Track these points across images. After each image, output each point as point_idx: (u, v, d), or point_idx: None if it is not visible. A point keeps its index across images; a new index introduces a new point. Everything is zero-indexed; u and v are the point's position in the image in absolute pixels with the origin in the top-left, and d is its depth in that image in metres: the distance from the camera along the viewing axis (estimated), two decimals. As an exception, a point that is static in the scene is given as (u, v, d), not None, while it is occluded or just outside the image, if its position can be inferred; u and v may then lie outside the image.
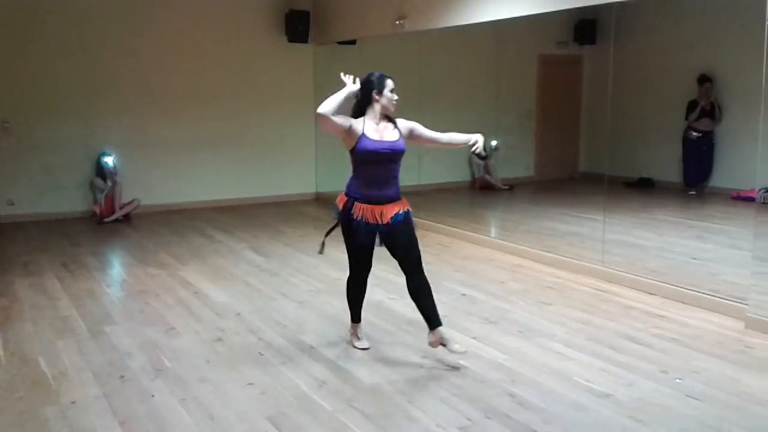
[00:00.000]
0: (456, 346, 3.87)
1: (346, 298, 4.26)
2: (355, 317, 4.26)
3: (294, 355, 4.09)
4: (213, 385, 3.68)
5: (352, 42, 9.23)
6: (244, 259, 6.46)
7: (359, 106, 4.01)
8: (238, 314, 4.86)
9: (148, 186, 8.82)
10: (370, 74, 4.05)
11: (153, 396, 3.56)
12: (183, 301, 5.19)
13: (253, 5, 9.35)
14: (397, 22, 7.75)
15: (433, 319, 3.93)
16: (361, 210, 3.91)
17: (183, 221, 8.31)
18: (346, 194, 4.00)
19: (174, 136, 9.03)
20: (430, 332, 3.94)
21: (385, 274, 5.86)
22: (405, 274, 4.01)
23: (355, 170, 4.01)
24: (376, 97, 3.98)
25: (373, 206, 3.90)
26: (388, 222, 3.90)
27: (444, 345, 3.89)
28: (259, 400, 3.50)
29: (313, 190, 10.05)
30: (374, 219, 3.89)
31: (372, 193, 3.92)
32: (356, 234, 3.96)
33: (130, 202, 8.46)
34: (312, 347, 4.21)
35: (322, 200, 9.86)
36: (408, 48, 9.18)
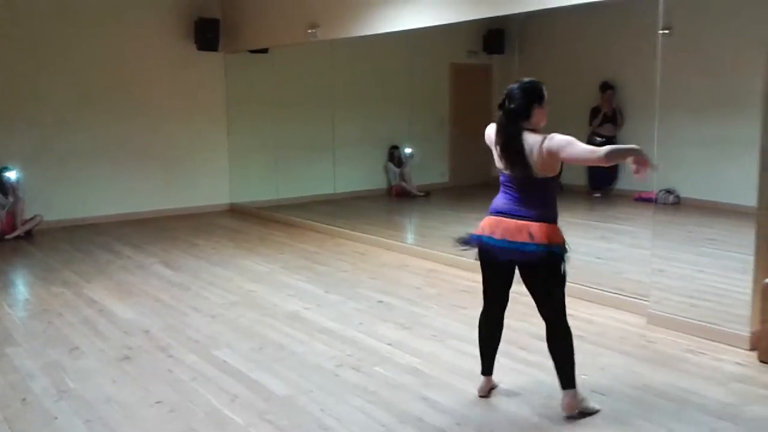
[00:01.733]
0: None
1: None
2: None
3: (205, 370, 3.99)
4: (120, 405, 3.55)
5: (264, 51, 9.15)
6: (153, 275, 6.27)
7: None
8: (147, 331, 4.70)
9: (50, 201, 8.45)
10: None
11: (56, 418, 3.41)
12: (88, 319, 4.98)
13: (160, 13, 9.13)
14: (309, 31, 7.73)
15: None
16: None
17: (88, 237, 8.00)
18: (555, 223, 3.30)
19: (78, 149, 8.69)
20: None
21: (302, 284, 5.83)
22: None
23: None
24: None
25: None
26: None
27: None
28: (167, 419, 3.40)
29: (227, 201, 9.87)
30: None
31: None
32: None
33: (32, 218, 8.08)
34: (225, 362, 4.12)
35: (236, 211, 9.70)
36: (321, 57, 9.19)
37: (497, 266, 3.41)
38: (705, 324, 4.39)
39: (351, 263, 6.59)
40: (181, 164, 9.42)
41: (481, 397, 3.56)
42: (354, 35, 7.35)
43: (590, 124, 9.69)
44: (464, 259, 6.35)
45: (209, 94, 9.55)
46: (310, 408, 3.46)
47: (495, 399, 3.53)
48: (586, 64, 9.94)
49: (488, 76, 10.90)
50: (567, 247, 3.26)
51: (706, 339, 4.30)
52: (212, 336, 4.59)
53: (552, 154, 3.14)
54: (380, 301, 5.31)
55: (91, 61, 8.70)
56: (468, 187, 10.72)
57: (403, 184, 10.35)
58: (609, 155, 3.02)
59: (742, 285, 4.31)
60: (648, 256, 5.02)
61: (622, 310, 4.90)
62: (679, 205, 8.07)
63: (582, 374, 3.80)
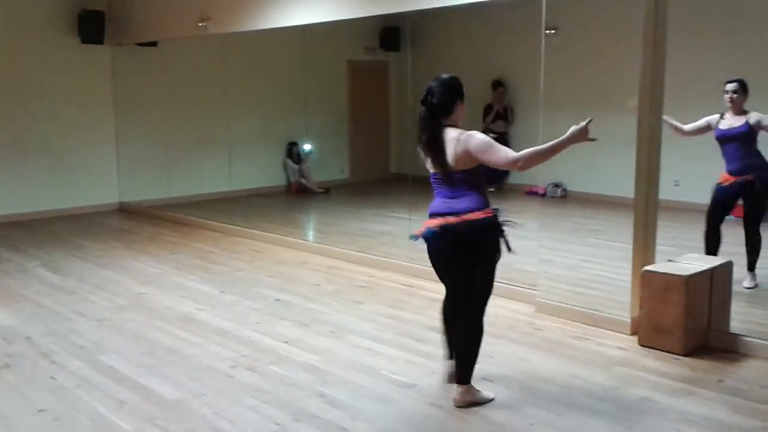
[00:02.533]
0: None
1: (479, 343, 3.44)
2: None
3: (91, 377, 3.82)
4: (-2, 417, 3.35)
5: (154, 44, 8.84)
6: (35, 278, 5.93)
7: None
8: (28, 338, 4.45)
9: None
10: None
11: (-74, 434, 3.18)
12: (-38, 328, 4.67)
13: (41, 4, 8.63)
14: (200, 24, 7.52)
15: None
16: None
17: (-36, 240, 7.49)
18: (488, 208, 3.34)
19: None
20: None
21: (196, 285, 5.68)
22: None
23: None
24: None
25: None
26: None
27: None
28: (50, 427, 3.23)
29: (116, 200, 9.47)
30: None
31: None
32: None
33: None
34: (112, 367, 3.95)
35: (126, 211, 9.33)
36: (214, 51, 8.97)
37: (442, 257, 3.37)
38: (589, 311, 4.61)
39: (248, 262, 6.48)
40: (66, 162, 8.95)
41: (449, 383, 3.53)
42: (247, 29, 7.22)
43: (483, 121, 9.96)
44: (362, 254, 6.41)
45: (95, 88, 9.12)
46: (203, 411, 3.38)
47: (390, 392, 3.56)
48: (479, 62, 10.21)
49: (385, 72, 11.01)
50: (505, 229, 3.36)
51: (590, 325, 4.51)
52: (98, 341, 4.39)
53: (468, 153, 3.21)
54: (278, 300, 5.25)
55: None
56: (368, 183, 10.79)
57: (303, 180, 10.29)
58: (526, 163, 3.16)
59: (623, 273, 4.54)
60: (536, 247, 5.21)
61: (512, 300, 5.06)
62: (567, 198, 8.44)
63: (474, 364, 3.91)
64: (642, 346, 4.14)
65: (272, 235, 7.41)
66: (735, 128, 5.06)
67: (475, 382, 3.46)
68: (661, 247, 4.55)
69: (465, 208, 3.26)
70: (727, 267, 4.35)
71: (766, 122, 4.97)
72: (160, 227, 8.21)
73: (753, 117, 5.02)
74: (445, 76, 3.37)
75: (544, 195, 8.19)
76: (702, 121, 5.25)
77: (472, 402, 3.38)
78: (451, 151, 3.24)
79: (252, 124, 9.86)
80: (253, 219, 8.07)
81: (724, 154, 5.14)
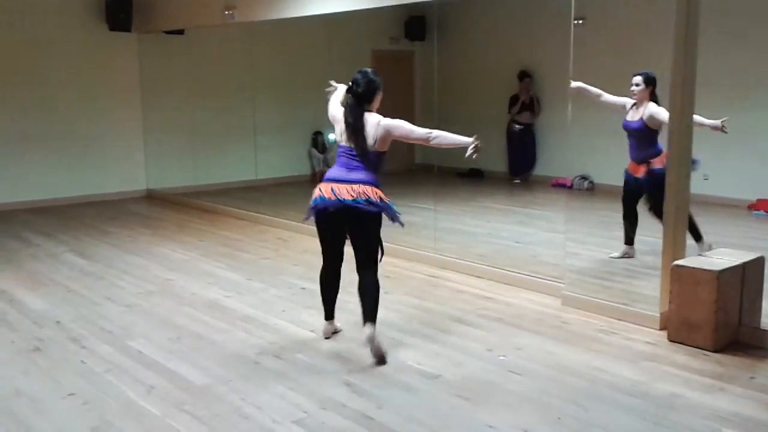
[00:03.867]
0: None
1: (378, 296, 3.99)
2: None
3: (120, 361, 3.86)
4: (30, 398, 3.40)
5: (180, 32, 8.88)
6: (65, 263, 6.01)
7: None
8: (59, 322, 4.51)
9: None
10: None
11: (-39, 414, 3.24)
12: (-6, 311, 4.75)
13: (69, -8, 8.73)
14: (226, 12, 7.54)
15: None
16: None
17: (-5, 225, 7.61)
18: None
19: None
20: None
21: (222, 272, 5.72)
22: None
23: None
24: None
25: None
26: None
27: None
28: (80, 411, 3.27)
29: (144, 187, 9.57)
30: None
31: None
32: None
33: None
34: (140, 352, 4.00)
35: (153, 198, 9.42)
36: (240, 40, 9.00)
37: (332, 224, 3.99)
38: (617, 305, 4.56)
39: (274, 250, 6.51)
40: (94, 149, 9.06)
41: (326, 338, 4.16)
42: (272, 18, 7.23)
43: (509, 112, 9.89)
44: (386, 244, 6.39)
45: (122, 76, 9.20)
46: (230, 397, 3.41)
47: (415, 382, 3.56)
48: (506, 52, 10.13)
49: (410, 62, 10.96)
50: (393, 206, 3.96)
51: (618, 319, 4.47)
52: (127, 326, 4.45)
53: (387, 133, 3.87)
54: (303, 288, 5.26)
55: (2, 45, 8.25)
56: (393, 173, 10.72)
57: (327, 169, 10.27)
58: (435, 141, 3.84)
59: (651, 267, 4.49)
60: (562, 240, 5.18)
61: (539, 293, 5.03)
62: (594, 190, 8.36)
63: (500, 355, 3.90)
64: (671, 341, 4.09)
65: (297, 224, 7.42)
66: (633, 122, 5.37)
67: (501, 376, 3.45)
68: (691, 242, 4.49)
69: (366, 180, 3.89)
70: (760, 262, 4.28)
71: (659, 117, 5.11)
72: (186, 214, 8.28)
73: (647, 111, 5.24)
74: (368, 69, 3.97)
75: (570, 187, 8.14)
76: (618, 101, 5.48)
77: (376, 343, 3.80)
78: (371, 132, 3.87)
79: (277, 113, 9.87)
80: (279, 207, 8.09)
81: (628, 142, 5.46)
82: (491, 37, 10.29)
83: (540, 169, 9.73)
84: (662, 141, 5.12)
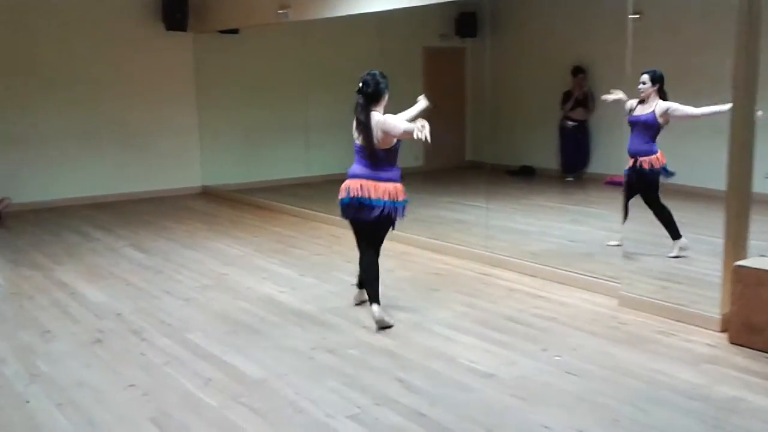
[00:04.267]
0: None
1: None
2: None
3: (178, 354, 3.96)
4: (92, 389, 3.51)
5: (235, 31, 9.02)
6: (124, 257, 6.19)
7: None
8: (119, 315, 4.65)
9: (18, 183, 8.28)
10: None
11: (28, 402, 3.38)
12: (59, 302, 4.91)
13: (127, -8, 8.95)
14: (280, 12, 7.63)
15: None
16: None
17: (57, 219, 7.86)
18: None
19: (45, 130, 8.52)
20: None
21: (276, 267, 5.80)
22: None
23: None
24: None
25: None
26: None
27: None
28: (140, 402, 3.37)
29: (200, 184, 9.76)
30: None
31: None
32: None
33: (0, 200, 7.93)
34: (198, 345, 4.09)
35: (208, 194, 9.60)
36: (293, 39, 9.09)
37: (366, 221, 4.29)
38: (676, 306, 4.45)
39: (326, 246, 6.57)
40: (151, 147, 9.27)
41: (356, 305, 4.67)
42: (325, 16, 7.28)
43: (562, 108, 9.74)
44: (437, 241, 6.39)
45: (178, 75, 9.39)
46: (285, 391, 3.45)
47: (469, 380, 3.55)
48: (558, 48, 9.97)
49: (461, 59, 10.89)
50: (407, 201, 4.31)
51: (677, 321, 4.36)
52: (185, 319, 4.55)
53: (383, 132, 4.12)
54: (354, 284, 5.29)
55: (57, 43, 8.51)
56: (442, 170, 10.73)
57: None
58: (404, 133, 4.00)
59: (712, 268, 4.38)
60: (619, 239, 5.08)
61: (594, 292, 4.95)
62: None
63: (555, 355, 3.85)
64: (732, 343, 3.98)
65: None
66: (642, 115, 5.47)
67: (556, 376, 3.41)
68: (752, 242, 4.36)
69: (385, 178, 4.25)
70: (826, 264, 4.12)
71: (682, 111, 5.32)
72: (240, 210, 8.42)
73: (659, 106, 5.37)
74: (376, 72, 4.24)
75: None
76: (628, 104, 5.63)
77: (384, 319, 4.27)
78: (374, 130, 4.14)
79: (329, 111, 9.91)
80: (331, 204, 8.13)
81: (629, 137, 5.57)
82: (544, 32, 10.14)
83: (594, 167, 9.55)
84: (661, 141, 5.35)
